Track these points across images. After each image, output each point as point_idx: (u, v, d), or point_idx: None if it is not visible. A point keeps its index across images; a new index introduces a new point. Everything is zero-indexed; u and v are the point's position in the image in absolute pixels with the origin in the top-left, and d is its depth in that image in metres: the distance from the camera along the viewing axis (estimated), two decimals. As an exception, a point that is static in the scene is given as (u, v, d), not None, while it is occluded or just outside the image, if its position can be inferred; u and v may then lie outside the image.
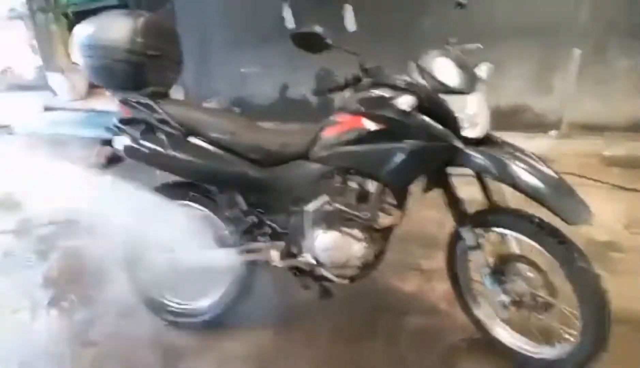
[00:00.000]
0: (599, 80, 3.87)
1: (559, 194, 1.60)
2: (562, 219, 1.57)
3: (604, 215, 3.07)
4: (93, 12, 2.12)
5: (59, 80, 5.79)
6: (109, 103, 2.21)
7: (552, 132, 4.09)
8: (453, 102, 1.71)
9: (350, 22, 4.01)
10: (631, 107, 3.91)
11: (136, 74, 2.00)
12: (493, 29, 3.84)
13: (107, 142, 2.17)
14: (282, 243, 2.04)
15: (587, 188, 3.41)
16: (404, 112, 1.71)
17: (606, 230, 2.93)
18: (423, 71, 1.73)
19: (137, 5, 4.89)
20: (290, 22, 4.11)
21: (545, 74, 3.96)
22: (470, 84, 1.72)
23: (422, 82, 1.72)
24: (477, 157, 1.69)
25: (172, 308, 2.31)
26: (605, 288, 1.67)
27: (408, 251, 2.74)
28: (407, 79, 1.76)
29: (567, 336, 1.81)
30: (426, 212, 2.82)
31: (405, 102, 1.68)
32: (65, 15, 5.27)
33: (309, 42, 1.65)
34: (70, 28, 2.10)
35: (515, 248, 1.87)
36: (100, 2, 5.59)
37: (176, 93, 4.90)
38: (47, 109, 5.76)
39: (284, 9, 4.12)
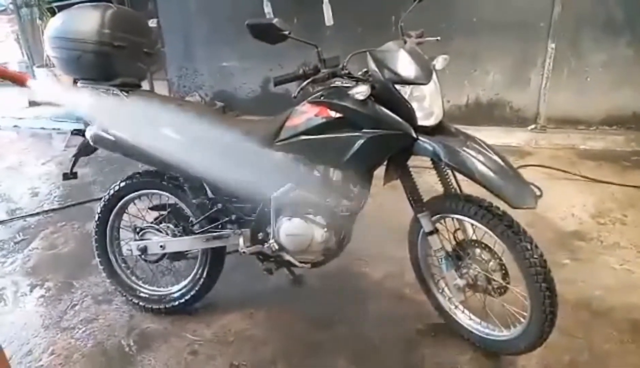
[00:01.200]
0: (574, 75, 3.93)
1: (505, 179, 1.66)
2: (506, 202, 1.63)
3: (574, 206, 3.15)
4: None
5: (44, 75, 5.82)
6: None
7: (531, 127, 4.15)
8: (408, 92, 1.76)
9: (328, 16, 4.09)
10: (606, 100, 3.98)
11: (104, 64, 2.05)
12: (470, 23, 3.91)
13: (79, 132, 2.23)
14: (247, 230, 2.10)
15: (561, 181, 3.52)
16: (360, 101, 1.77)
17: (574, 220, 3.01)
18: (378, 62, 1.79)
19: (119, 3, 4.92)
20: (270, 16, 4.19)
21: (522, 69, 4.02)
22: (425, 74, 1.77)
23: (378, 72, 1.77)
24: (430, 144, 1.75)
25: (144, 294, 2.37)
26: (550, 270, 1.73)
27: (381, 240, 2.80)
28: (364, 69, 1.82)
29: (520, 318, 1.89)
30: (401, 203, 2.87)
31: (359, 91, 1.73)
32: (50, 10, 5.31)
33: (265, 33, 1.69)
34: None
35: (472, 234, 1.94)
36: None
37: (160, 88, 4.97)
38: (32, 103, 5.82)
39: (265, 3, 4.20)
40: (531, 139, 4.07)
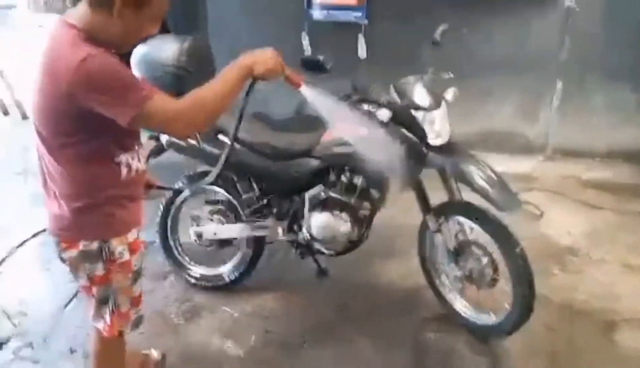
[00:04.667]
0: (579, 112, 4.33)
1: (496, 189, 2.10)
2: (496, 207, 2.08)
3: (571, 226, 3.52)
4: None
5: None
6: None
7: (539, 156, 4.55)
8: (421, 117, 2.23)
9: (362, 50, 4.62)
10: (611, 136, 4.35)
11: (178, 84, 2.52)
12: (486, 63, 4.36)
13: (154, 137, 2.74)
14: (285, 222, 2.57)
15: (562, 205, 3.89)
16: (383, 122, 2.24)
17: (569, 237, 3.37)
18: (399, 92, 2.26)
19: (174, 23, 5.52)
20: (307, 49, 4.73)
21: (533, 104, 4.44)
22: (436, 103, 2.24)
23: (398, 100, 2.25)
24: (438, 158, 2.21)
25: (196, 274, 2.84)
26: (530, 264, 2.14)
27: (399, 242, 3.17)
28: (387, 97, 2.30)
29: (506, 305, 2.29)
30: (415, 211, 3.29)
31: (383, 114, 2.21)
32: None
33: (313, 66, 2.17)
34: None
35: (470, 235, 2.36)
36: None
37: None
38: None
39: (303, 36, 4.74)
40: (539, 168, 4.46)
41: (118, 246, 1.50)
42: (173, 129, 1.41)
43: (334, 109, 1.74)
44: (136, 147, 1.57)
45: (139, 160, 1.57)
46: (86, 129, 1.37)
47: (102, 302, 1.57)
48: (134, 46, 1.50)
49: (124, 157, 1.48)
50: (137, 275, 1.59)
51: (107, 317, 1.58)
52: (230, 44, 5.50)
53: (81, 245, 1.47)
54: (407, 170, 2.31)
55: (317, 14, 4.57)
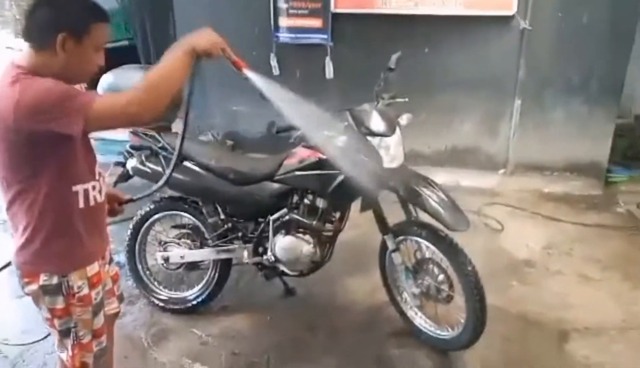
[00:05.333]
0: (538, 127, 4.51)
1: (446, 209, 2.22)
2: (445, 226, 2.19)
3: (529, 239, 3.67)
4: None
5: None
6: (118, 134, 2.84)
7: (500, 171, 4.71)
8: (377, 142, 2.33)
9: (329, 71, 4.75)
10: (567, 150, 4.53)
11: None
12: (448, 82, 4.53)
13: (120, 164, 2.79)
14: (250, 245, 2.64)
15: (522, 218, 4.05)
16: (341, 147, 2.34)
17: (527, 250, 3.52)
18: (355, 118, 2.37)
19: (144, 48, 5.59)
20: (275, 69, 4.84)
21: (493, 121, 4.61)
22: (390, 129, 2.35)
23: (355, 127, 2.35)
24: (393, 181, 2.31)
25: (164, 297, 2.88)
26: (480, 279, 2.25)
27: (363, 261, 3.27)
28: (344, 123, 2.40)
29: (461, 319, 2.40)
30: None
31: (341, 140, 2.31)
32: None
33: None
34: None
35: (427, 253, 2.47)
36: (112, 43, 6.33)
37: (176, 126, 5.55)
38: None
39: (272, 57, 4.85)
40: (500, 182, 4.63)
41: (77, 280, 1.55)
42: (129, 116, 1.42)
43: (277, 91, 1.81)
44: (96, 178, 1.62)
45: (99, 191, 1.62)
46: (41, 160, 1.43)
47: (64, 334, 1.61)
48: (86, 79, 1.55)
49: (81, 188, 1.53)
50: (97, 307, 1.64)
51: (70, 349, 1.62)
52: (199, 67, 5.59)
53: (41, 280, 1.52)
54: (368, 190, 2.42)
55: (283, 37, 4.69)
